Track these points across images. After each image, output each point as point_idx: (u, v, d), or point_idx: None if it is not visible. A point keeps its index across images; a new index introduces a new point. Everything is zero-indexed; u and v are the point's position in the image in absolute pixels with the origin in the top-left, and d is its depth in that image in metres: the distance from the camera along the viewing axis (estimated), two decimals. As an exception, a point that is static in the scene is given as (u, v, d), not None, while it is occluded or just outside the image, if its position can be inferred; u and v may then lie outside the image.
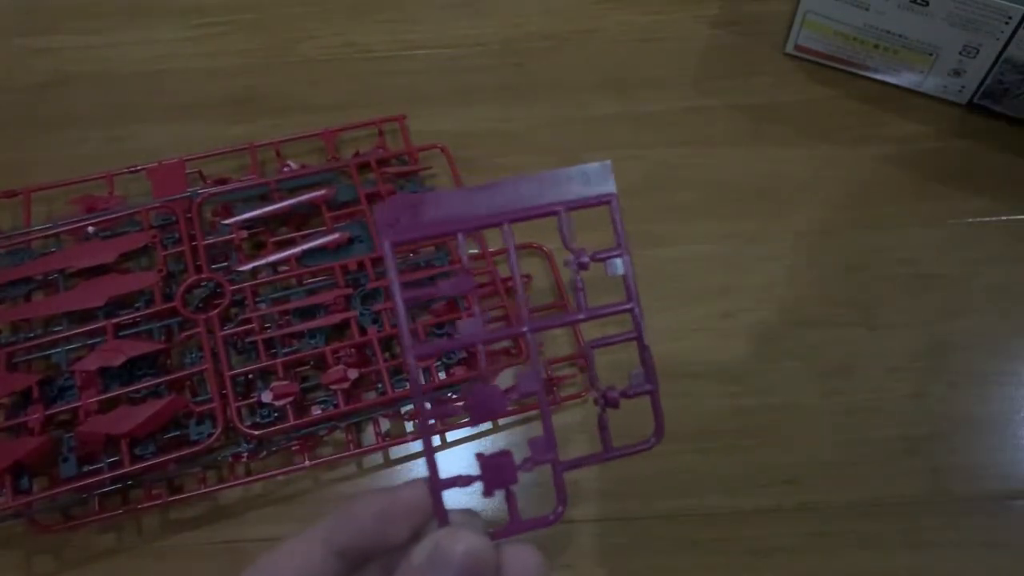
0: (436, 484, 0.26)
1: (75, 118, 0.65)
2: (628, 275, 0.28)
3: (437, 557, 0.24)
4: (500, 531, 0.27)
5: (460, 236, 0.27)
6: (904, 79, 0.64)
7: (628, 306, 0.28)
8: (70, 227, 0.57)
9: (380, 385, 0.53)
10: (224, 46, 0.68)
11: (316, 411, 0.52)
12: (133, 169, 0.60)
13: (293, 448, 0.52)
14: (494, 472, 0.27)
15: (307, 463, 0.51)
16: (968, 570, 0.49)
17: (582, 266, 0.27)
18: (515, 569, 0.25)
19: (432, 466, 0.27)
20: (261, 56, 0.68)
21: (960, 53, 0.60)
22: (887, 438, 0.53)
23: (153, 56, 0.68)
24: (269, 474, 0.51)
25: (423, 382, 0.53)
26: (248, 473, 0.52)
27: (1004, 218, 0.60)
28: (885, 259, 0.58)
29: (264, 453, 0.52)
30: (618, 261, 0.28)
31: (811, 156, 0.63)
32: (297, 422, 0.51)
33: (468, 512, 0.27)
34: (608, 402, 0.29)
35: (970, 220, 0.60)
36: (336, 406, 0.52)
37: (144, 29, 0.69)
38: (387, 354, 0.54)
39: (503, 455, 0.27)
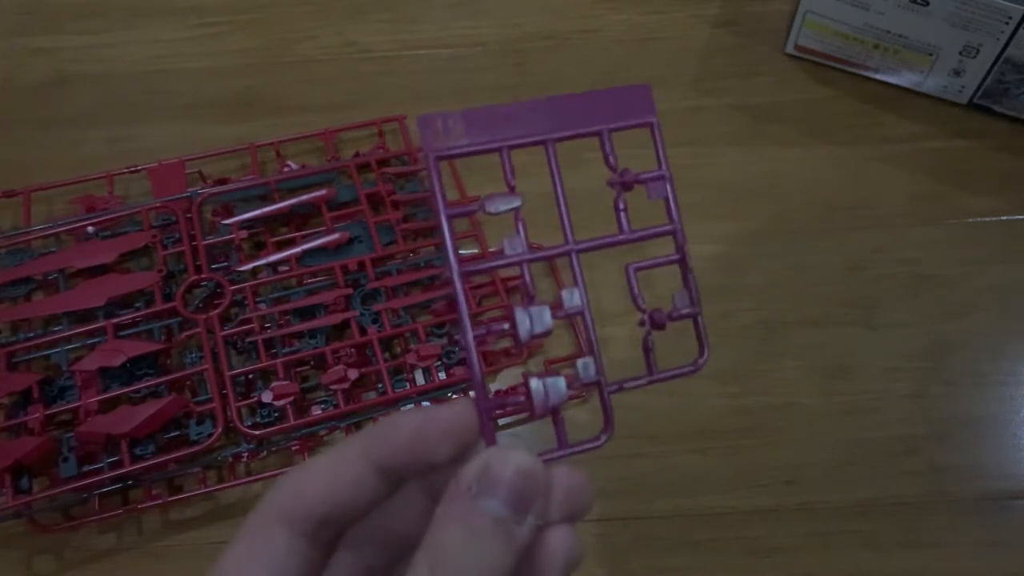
0: (483, 403, 0.25)
1: (75, 118, 0.65)
2: (670, 198, 0.27)
3: (488, 476, 0.23)
4: (546, 454, 0.26)
5: (504, 153, 0.25)
6: (904, 79, 0.64)
7: (670, 228, 0.27)
8: (70, 227, 0.57)
9: (380, 385, 0.53)
10: (224, 46, 0.68)
11: (316, 411, 0.52)
12: (133, 169, 0.60)
13: (293, 448, 0.52)
14: (543, 393, 0.25)
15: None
16: (968, 570, 0.49)
17: (625, 186, 0.27)
18: (562, 489, 0.25)
19: (479, 384, 0.25)
20: (261, 56, 0.68)
21: (960, 53, 0.60)
22: (887, 438, 0.53)
23: (153, 56, 0.68)
24: (269, 474, 0.51)
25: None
26: (248, 473, 0.52)
27: (1004, 218, 0.60)
28: (885, 259, 0.58)
29: (264, 453, 0.52)
30: (662, 184, 0.27)
31: (811, 156, 0.63)
32: (297, 422, 0.51)
33: (513, 437, 0.26)
34: (654, 323, 0.27)
35: (970, 220, 0.60)
36: (336, 406, 0.52)
37: (144, 29, 0.69)
38: (387, 354, 0.54)
39: (552, 375, 0.26)
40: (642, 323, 0.27)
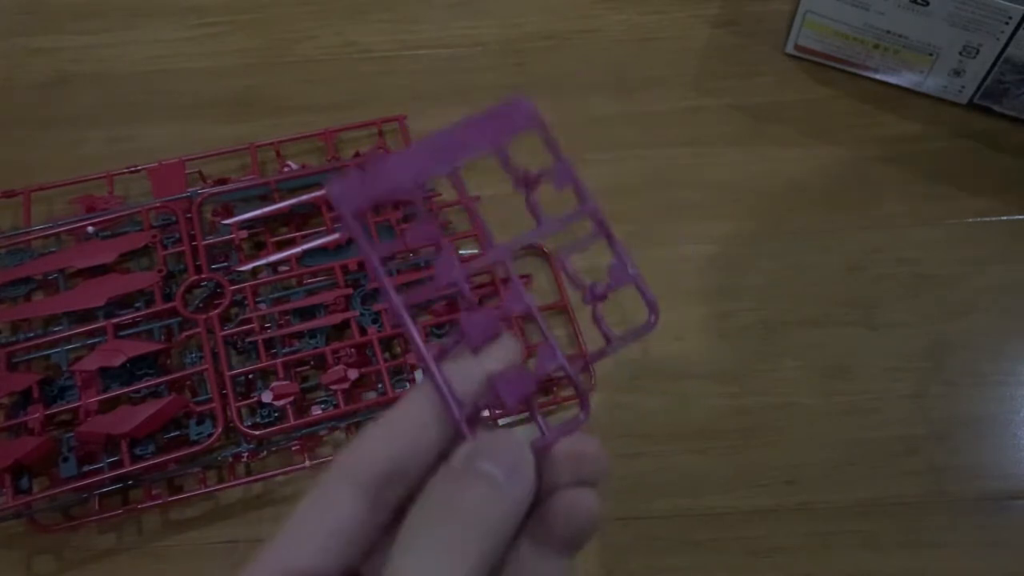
0: (450, 403, 0.25)
1: (75, 118, 0.65)
2: (576, 180, 0.28)
3: (477, 448, 0.25)
4: (536, 442, 0.26)
5: (416, 192, 0.27)
6: (904, 79, 0.64)
7: (587, 208, 0.28)
8: (70, 227, 0.57)
9: (380, 385, 0.53)
10: (224, 46, 0.68)
11: (316, 411, 0.52)
12: (133, 169, 0.60)
13: (293, 448, 0.52)
14: (511, 385, 0.26)
15: (307, 463, 0.51)
16: (968, 570, 0.49)
17: (529, 183, 0.28)
18: (567, 453, 0.26)
19: (441, 385, 0.25)
20: (261, 56, 0.68)
21: (960, 53, 0.60)
22: (887, 438, 0.53)
23: (153, 56, 0.68)
24: (269, 474, 0.51)
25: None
26: (248, 473, 0.52)
27: (1004, 218, 0.60)
28: (885, 259, 0.58)
29: (264, 453, 0.52)
30: (565, 169, 0.28)
31: (811, 156, 0.63)
32: (297, 422, 0.51)
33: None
34: (596, 296, 0.28)
35: (970, 220, 0.60)
36: (336, 406, 0.52)
37: (144, 29, 0.69)
38: (387, 354, 0.54)
39: (514, 368, 0.26)
40: (585, 301, 0.28)
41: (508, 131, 0.28)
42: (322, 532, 0.25)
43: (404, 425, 0.26)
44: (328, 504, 0.25)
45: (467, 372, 0.26)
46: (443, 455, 0.26)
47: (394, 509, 0.26)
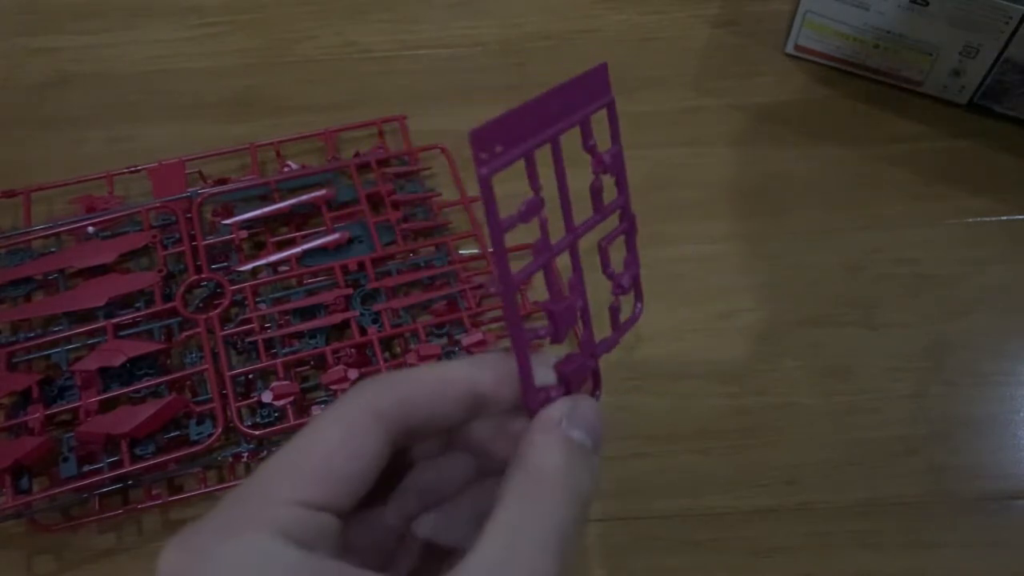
0: (531, 391, 0.26)
1: (75, 118, 0.65)
2: (621, 170, 0.28)
3: (575, 413, 0.26)
4: None
5: (532, 157, 0.26)
6: (904, 79, 0.64)
7: (619, 202, 0.29)
8: (70, 227, 0.57)
9: (380, 385, 0.53)
10: (224, 46, 0.68)
11: (316, 411, 0.52)
12: (133, 169, 0.60)
13: (293, 448, 0.52)
14: (580, 381, 0.28)
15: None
16: (968, 570, 0.49)
17: (602, 167, 0.28)
18: None
19: (529, 380, 0.26)
20: (261, 56, 0.68)
21: (960, 53, 0.60)
22: (887, 438, 0.53)
23: (153, 56, 0.68)
24: (269, 474, 0.51)
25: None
26: (248, 473, 0.51)
27: (1004, 218, 0.60)
28: (885, 259, 0.58)
29: (264, 453, 0.52)
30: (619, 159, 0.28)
31: (811, 156, 0.63)
32: (297, 422, 0.51)
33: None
34: (624, 289, 0.30)
35: (970, 220, 0.60)
36: (336, 406, 0.51)
37: (144, 29, 0.69)
38: (387, 354, 0.54)
39: (577, 360, 0.28)
40: (615, 292, 0.29)
41: (588, 102, 0.27)
42: (354, 472, 0.25)
43: (430, 377, 0.26)
44: (361, 442, 0.25)
45: (538, 363, 0.27)
46: (465, 420, 0.27)
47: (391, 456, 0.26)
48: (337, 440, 0.25)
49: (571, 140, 0.27)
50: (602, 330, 0.29)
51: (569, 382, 0.27)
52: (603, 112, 0.28)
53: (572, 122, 0.27)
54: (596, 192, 0.28)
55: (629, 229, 0.30)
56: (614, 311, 0.30)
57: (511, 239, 0.25)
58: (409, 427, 0.26)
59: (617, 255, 0.29)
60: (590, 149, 0.28)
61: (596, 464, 0.26)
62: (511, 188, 0.26)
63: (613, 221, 0.29)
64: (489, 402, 0.26)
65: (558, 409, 0.26)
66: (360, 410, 0.25)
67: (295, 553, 0.22)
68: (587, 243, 0.29)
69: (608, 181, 0.28)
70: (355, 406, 0.25)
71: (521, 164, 0.25)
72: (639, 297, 0.31)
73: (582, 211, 0.28)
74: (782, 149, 0.63)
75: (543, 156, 0.26)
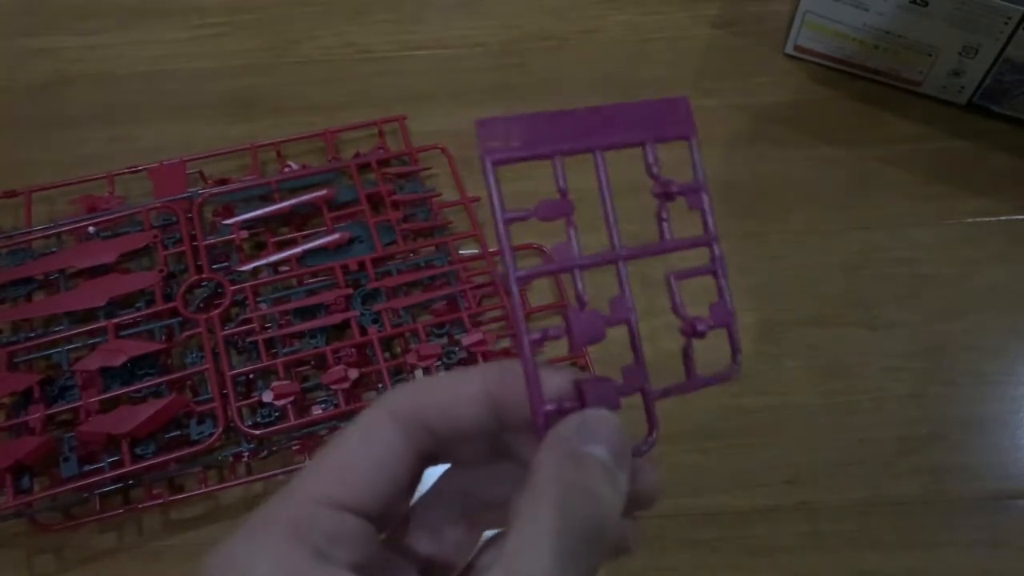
0: (537, 398, 0.25)
1: (75, 118, 0.65)
2: (707, 211, 0.28)
3: (586, 427, 0.24)
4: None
5: (556, 161, 0.26)
6: (904, 79, 0.64)
7: (705, 239, 0.29)
8: (71, 227, 0.57)
9: (380, 385, 0.53)
10: (224, 46, 0.68)
11: (316, 411, 0.52)
12: (134, 169, 0.60)
13: (293, 448, 0.52)
14: (597, 397, 0.26)
15: (308, 463, 0.51)
16: (968, 570, 0.49)
17: (668, 196, 0.27)
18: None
19: (535, 385, 0.24)
20: (261, 56, 0.68)
21: (960, 53, 0.60)
22: (887, 438, 0.53)
23: (153, 56, 0.68)
24: (269, 474, 0.51)
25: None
26: (248, 473, 0.52)
27: (1004, 218, 0.60)
28: (885, 259, 0.58)
29: (264, 453, 0.52)
30: (699, 196, 0.28)
31: (811, 156, 0.63)
32: (297, 422, 0.51)
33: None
34: (695, 333, 0.28)
35: (970, 220, 0.60)
36: (337, 406, 0.52)
37: (144, 29, 0.69)
38: (387, 354, 0.54)
39: (604, 380, 0.26)
40: (684, 332, 0.28)
41: (660, 129, 0.27)
42: (371, 467, 0.25)
43: (445, 379, 0.26)
44: (377, 439, 0.25)
45: (555, 373, 0.26)
46: (484, 430, 0.26)
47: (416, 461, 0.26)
48: (355, 440, 0.25)
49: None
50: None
51: (586, 398, 0.25)
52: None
53: (627, 141, 0.26)
54: (660, 220, 0.27)
55: (717, 271, 0.28)
56: (687, 357, 0.28)
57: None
58: (428, 426, 0.25)
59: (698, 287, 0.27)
60: (654, 176, 0.27)
61: (623, 479, 0.24)
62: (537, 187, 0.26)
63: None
64: (507, 405, 0.26)
65: (569, 423, 0.24)
66: (376, 411, 0.25)
67: (305, 564, 0.23)
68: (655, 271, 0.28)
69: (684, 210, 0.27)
70: (372, 410, 0.26)
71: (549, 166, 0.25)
72: (735, 353, 0.28)
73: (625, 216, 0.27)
74: (782, 149, 0.63)
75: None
